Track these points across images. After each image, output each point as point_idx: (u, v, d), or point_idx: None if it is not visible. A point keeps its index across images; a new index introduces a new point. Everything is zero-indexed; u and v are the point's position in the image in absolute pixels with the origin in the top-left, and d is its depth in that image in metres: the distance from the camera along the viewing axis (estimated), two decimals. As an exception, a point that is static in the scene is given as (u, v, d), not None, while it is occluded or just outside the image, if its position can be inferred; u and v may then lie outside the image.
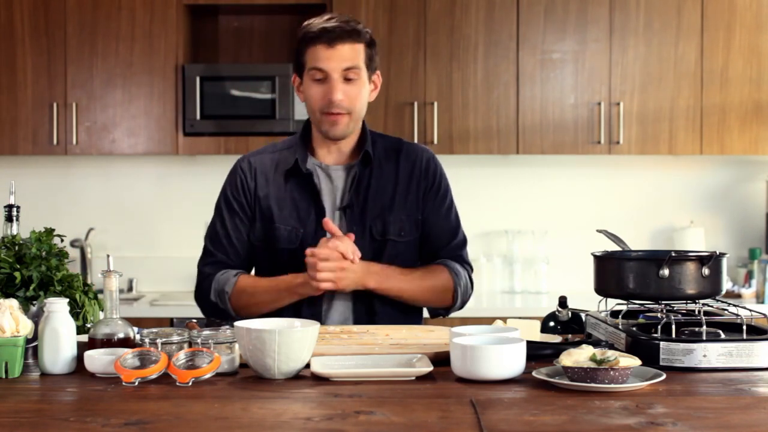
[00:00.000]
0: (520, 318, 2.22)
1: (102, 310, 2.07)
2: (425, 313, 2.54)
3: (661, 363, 1.84)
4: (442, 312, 2.50)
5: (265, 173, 2.46)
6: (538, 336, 2.12)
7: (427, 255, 2.47)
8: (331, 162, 2.45)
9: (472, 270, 2.51)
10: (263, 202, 2.43)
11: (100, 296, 2.11)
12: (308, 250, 2.27)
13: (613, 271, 2.06)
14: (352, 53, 2.34)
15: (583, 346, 1.78)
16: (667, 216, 4.69)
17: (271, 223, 2.42)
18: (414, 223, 2.44)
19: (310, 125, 2.47)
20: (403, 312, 2.43)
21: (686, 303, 2.04)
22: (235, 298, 2.40)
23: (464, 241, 2.51)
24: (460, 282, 2.43)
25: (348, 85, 2.35)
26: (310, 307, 2.38)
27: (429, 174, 2.48)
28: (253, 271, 2.52)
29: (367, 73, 2.38)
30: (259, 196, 2.44)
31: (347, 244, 2.28)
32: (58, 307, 1.87)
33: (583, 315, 2.23)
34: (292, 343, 1.77)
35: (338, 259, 2.26)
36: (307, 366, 1.83)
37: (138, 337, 1.94)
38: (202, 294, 2.45)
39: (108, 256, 2.01)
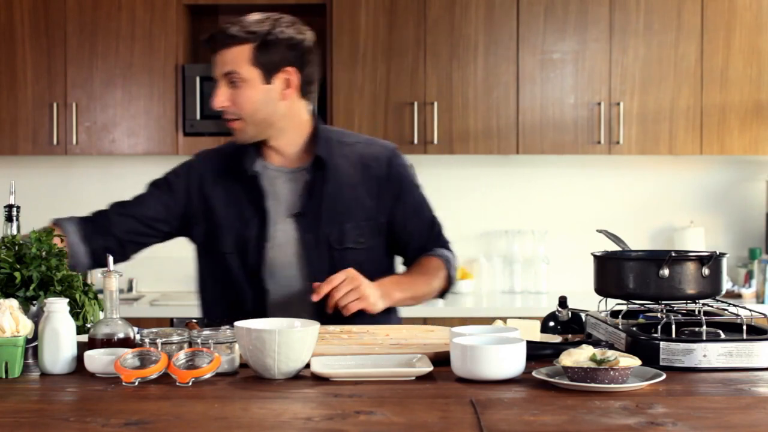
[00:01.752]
0: (520, 318, 2.22)
1: (102, 310, 2.07)
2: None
3: (661, 363, 1.84)
4: (437, 298, 2.51)
5: (216, 172, 2.43)
6: (538, 336, 2.11)
7: (414, 251, 2.47)
8: (279, 163, 2.41)
9: (451, 247, 2.52)
10: (209, 203, 2.40)
11: (100, 296, 2.11)
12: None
13: (613, 271, 2.06)
14: (231, 57, 2.32)
15: (583, 346, 1.78)
16: (667, 216, 4.70)
17: (214, 226, 2.38)
18: (376, 228, 2.40)
19: None
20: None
21: (686, 303, 2.04)
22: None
23: (441, 227, 2.51)
24: (451, 270, 2.46)
25: (233, 89, 2.33)
26: (255, 304, 2.35)
27: (392, 176, 2.43)
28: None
29: (260, 73, 2.31)
30: (206, 196, 2.41)
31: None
32: (58, 307, 1.87)
33: (583, 315, 2.23)
34: (292, 343, 1.77)
35: (353, 281, 2.20)
36: (307, 366, 1.83)
37: (138, 337, 1.94)
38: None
39: (108, 256, 2.01)
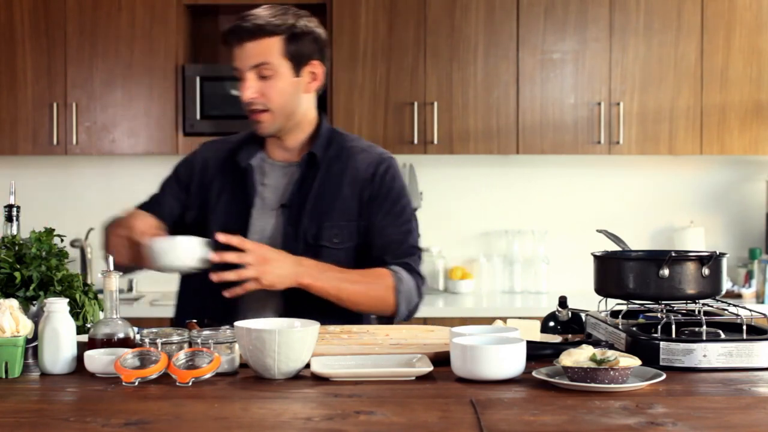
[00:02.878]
0: (520, 318, 2.22)
1: (102, 310, 2.07)
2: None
3: (661, 363, 1.84)
4: (385, 320, 2.40)
5: (216, 162, 2.46)
6: (538, 336, 2.11)
7: (375, 261, 2.36)
8: (279, 157, 2.42)
9: (423, 281, 2.39)
10: (206, 191, 2.42)
11: (100, 296, 2.11)
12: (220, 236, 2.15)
13: (613, 271, 2.06)
14: (261, 49, 2.28)
15: (583, 346, 1.78)
16: (667, 216, 4.69)
17: (206, 213, 2.40)
18: (355, 230, 2.36)
19: None
20: (345, 318, 2.30)
21: (686, 303, 2.04)
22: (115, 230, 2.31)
23: (415, 250, 2.39)
24: (401, 287, 2.31)
25: (263, 81, 2.30)
26: (216, 308, 2.28)
27: (377, 179, 2.38)
28: None
29: (290, 65, 2.30)
30: (205, 183, 2.44)
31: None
32: (58, 307, 1.87)
33: (583, 315, 2.23)
34: (292, 343, 1.77)
35: (260, 255, 2.14)
36: (307, 366, 1.83)
37: (138, 337, 1.94)
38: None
39: (108, 256, 2.01)
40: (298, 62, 2.32)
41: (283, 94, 2.32)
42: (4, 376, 1.81)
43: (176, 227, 2.39)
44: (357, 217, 2.38)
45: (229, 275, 2.14)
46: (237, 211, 2.38)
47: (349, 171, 2.39)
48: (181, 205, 2.47)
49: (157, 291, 4.64)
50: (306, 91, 2.36)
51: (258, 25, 2.28)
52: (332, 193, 2.37)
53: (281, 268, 2.18)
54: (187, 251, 2.16)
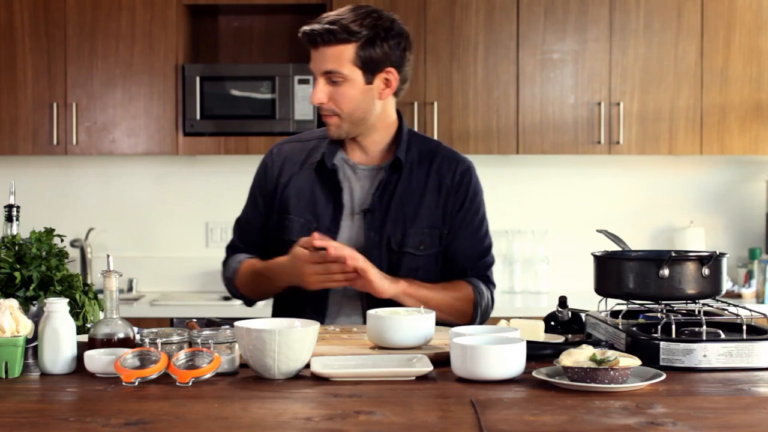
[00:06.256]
0: (524, 318, 2.22)
1: (102, 310, 2.07)
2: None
3: (661, 363, 1.84)
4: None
5: (293, 162, 2.42)
6: (542, 336, 2.11)
7: (453, 271, 2.40)
8: (359, 160, 2.40)
9: (494, 288, 2.46)
10: (284, 192, 2.39)
11: (100, 296, 2.11)
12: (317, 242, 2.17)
13: (613, 271, 2.06)
14: (334, 55, 2.26)
15: (583, 346, 1.78)
16: (667, 216, 4.69)
17: (286, 213, 2.38)
18: (437, 237, 2.37)
19: None
20: None
21: (686, 303, 2.04)
22: (240, 283, 2.44)
23: (492, 262, 2.46)
24: (481, 302, 2.38)
25: (333, 86, 2.28)
26: (314, 307, 2.35)
27: (462, 188, 2.41)
28: None
29: (362, 72, 2.28)
30: (281, 184, 2.41)
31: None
32: (58, 307, 1.87)
33: (583, 315, 2.23)
34: (292, 343, 1.77)
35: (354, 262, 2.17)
36: (307, 366, 1.83)
37: (138, 337, 1.94)
38: (222, 275, 2.51)
39: (108, 256, 2.01)
40: (371, 70, 2.29)
41: (352, 100, 2.29)
42: (4, 376, 1.81)
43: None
44: (441, 224, 2.38)
45: None
46: (322, 212, 2.36)
47: (432, 177, 2.39)
48: (261, 218, 2.46)
49: (157, 291, 4.64)
50: (379, 97, 2.33)
51: (332, 31, 2.25)
52: (416, 199, 2.37)
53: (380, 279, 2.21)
54: (414, 330, 2.03)
